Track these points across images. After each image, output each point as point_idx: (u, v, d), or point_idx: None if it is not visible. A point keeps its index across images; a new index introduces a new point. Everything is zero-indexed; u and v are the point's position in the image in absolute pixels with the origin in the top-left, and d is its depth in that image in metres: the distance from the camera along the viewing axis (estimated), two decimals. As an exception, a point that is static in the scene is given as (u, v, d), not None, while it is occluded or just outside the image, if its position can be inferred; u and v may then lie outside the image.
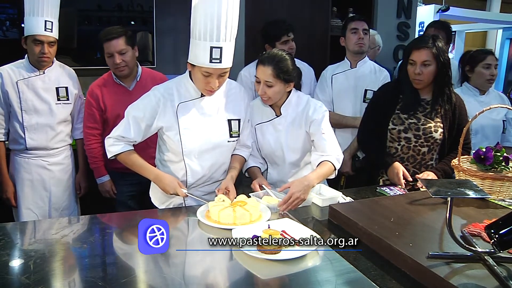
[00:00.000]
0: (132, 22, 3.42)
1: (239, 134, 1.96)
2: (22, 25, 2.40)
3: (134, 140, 1.88)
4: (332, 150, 1.98)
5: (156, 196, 2.05)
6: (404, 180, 2.11)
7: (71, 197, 2.61)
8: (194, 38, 1.71)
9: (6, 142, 2.48)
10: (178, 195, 1.84)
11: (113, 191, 2.56)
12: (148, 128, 1.87)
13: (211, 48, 1.67)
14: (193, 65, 1.76)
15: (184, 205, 1.96)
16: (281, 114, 2.07)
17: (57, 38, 2.40)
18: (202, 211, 1.69)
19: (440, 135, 2.18)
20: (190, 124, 1.86)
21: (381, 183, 2.29)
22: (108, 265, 1.32)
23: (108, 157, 1.90)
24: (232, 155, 2.01)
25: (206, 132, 1.88)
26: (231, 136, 1.93)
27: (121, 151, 1.87)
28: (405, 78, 2.19)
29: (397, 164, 2.15)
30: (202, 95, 1.87)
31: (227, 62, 1.73)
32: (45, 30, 2.32)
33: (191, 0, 1.70)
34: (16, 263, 1.31)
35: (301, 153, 2.12)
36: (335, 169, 1.97)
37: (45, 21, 2.31)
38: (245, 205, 1.66)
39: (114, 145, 1.87)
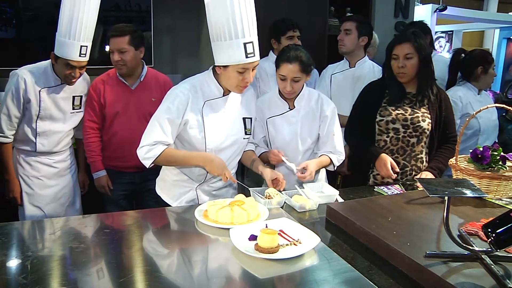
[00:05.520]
0: (130, 22, 3.41)
1: (251, 132, 2.03)
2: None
3: (171, 142, 1.86)
4: (338, 150, 2.19)
5: (167, 193, 2.06)
6: (395, 175, 2.14)
7: (76, 194, 2.62)
8: (224, 40, 1.73)
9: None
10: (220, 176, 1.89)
11: (108, 187, 2.54)
12: (179, 126, 1.85)
13: (244, 44, 1.73)
14: (225, 66, 1.78)
15: (197, 202, 1.98)
16: (294, 107, 2.16)
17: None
18: (200, 211, 1.69)
19: (428, 124, 2.20)
20: (214, 122, 1.90)
21: (371, 179, 2.31)
22: (107, 265, 1.32)
23: (147, 166, 1.85)
24: (244, 151, 2.08)
25: (226, 129, 1.93)
26: (246, 133, 2.00)
27: (160, 152, 1.81)
28: (389, 73, 2.24)
29: (384, 155, 2.17)
30: (224, 94, 1.90)
31: (258, 54, 1.79)
32: (79, 55, 2.21)
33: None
34: (13, 263, 1.30)
35: (313, 143, 2.22)
36: (331, 163, 2.18)
37: (81, 46, 2.19)
38: (243, 204, 1.66)
39: (150, 151, 1.82)
